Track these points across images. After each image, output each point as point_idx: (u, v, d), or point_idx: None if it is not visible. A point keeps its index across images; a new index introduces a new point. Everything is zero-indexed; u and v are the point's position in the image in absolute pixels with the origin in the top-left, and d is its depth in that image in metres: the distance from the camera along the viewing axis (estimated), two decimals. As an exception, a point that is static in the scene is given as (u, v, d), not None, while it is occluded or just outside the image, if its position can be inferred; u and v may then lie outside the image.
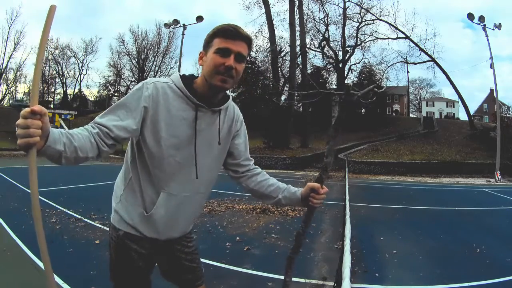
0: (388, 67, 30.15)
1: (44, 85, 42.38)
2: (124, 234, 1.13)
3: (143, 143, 1.07)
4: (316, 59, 31.67)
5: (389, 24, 27.70)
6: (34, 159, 0.80)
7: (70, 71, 42.85)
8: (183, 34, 22.14)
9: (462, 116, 41.17)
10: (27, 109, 0.76)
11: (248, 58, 1.19)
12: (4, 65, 36.64)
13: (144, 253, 1.15)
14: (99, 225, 4.38)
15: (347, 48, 27.54)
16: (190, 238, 1.29)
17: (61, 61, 41.76)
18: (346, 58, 30.42)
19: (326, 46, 26.96)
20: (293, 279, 2.69)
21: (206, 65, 1.06)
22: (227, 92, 1.17)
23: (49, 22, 0.79)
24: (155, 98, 1.03)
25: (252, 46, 1.12)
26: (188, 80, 1.11)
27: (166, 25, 24.65)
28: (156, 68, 41.71)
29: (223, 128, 1.17)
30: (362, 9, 28.19)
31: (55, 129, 0.85)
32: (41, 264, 2.98)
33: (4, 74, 37.37)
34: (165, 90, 1.06)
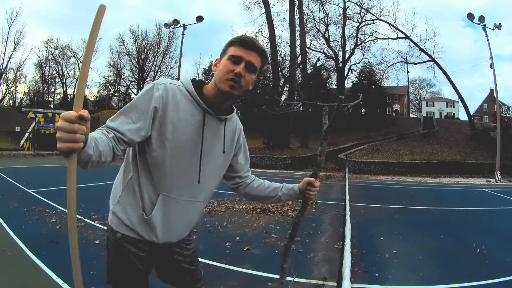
0: (388, 67, 30.22)
1: (44, 85, 42.40)
2: (122, 236, 1.11)
3: (146, 143, 1.06)
4: (316, 59, 31.68)
5: (389, 24, 27.73)
6: (74, 165, 0.77)
7: (70, 71, 42.83)
8: (183, 34, 22.15)
9: (462, 116, 41.24)
10: (74, 114, 0.72)
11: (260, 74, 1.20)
12: (4, 65, 36.68)
13: (143, 256, 1.14)
14: (99, 225, 4.38)
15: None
16: (189, 241, 1.29)
17: (61, 61, 41.77)
18: (346, 58, 30.47)
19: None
20: (294, 279, 2.70)
21: (218, 70, 1.08)
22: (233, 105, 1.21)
23: (98, 23, 0.74)
24: (164, 99, 1.03)
25: (266, 60, 1.13)
26: (198, 85, 1.11)
27: (166, 25, 24.64)
28: (156, 68, 41.75)
29: (227, 137, 1.19)
30: (362, 9, 28.25)
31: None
32: (41, 264, 2.99)
33: (4, 74, 37.38)
34: (175, 92, 1.06)
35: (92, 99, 46.95)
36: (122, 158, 1.08)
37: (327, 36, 30.40)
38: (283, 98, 26.16)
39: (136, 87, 42.30)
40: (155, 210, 1.08)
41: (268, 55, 1.13)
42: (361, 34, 29.61)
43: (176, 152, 1.06)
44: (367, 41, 29.75)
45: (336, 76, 31.67)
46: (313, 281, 2.91)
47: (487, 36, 18.76)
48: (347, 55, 31.02)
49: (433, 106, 50.16)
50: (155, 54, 41.63)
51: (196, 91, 1.08)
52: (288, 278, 2.71)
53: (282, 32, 41.71)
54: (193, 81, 1.12)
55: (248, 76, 1.07)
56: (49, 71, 41.58)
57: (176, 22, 22.76)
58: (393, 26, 27.55)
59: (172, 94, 1.05)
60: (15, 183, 8.00)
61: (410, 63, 30.12)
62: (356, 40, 29.84)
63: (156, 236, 1.11)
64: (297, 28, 25.12)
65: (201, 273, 1.33)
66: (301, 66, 25.87)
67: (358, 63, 31.09)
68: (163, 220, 1.10)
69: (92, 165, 0.87)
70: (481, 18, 18.94)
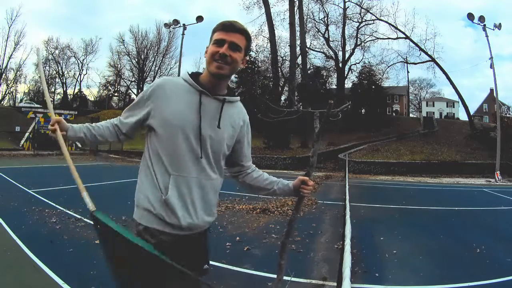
0: (388, 67, 30.25)
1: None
2: (144, 228, 1.16)
3: (153, 130, 1.19)
4: (316, 59, 31.69)
5: (389, 24, 27.74)
6: (60, 136, 1.23)
7: (70, 71, 42.91)
8: (183, 34, 22.16)
9: (462, 116, 41.21)
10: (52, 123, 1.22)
11: (249, 52, 1.30)
12: (4, 65, 36.69)
13: (164, 248, 1.14)
14: (99, 225, 4.37)
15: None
16: (205, 234, 1.30)
17: (61, 61, 41.83)
18: (346, 58, 30.46)
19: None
20: (294, 279, 2.70)
21: (206, 55, 1.21)
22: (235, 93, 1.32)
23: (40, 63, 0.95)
24: (160, 89, 1.19)
25: (249, 38, 1.24)
26: (194, 74, 1.26)
27: (166, 25, 24.67)
28: (156, 68, 41.77)
29: (225, 116, 1.24)
30: (362, 9, 28.27)
31: (76, 125, 1.26)
32: (41, 264, 2.98)
33: (4, 74, 37.38)
34: (172, 82, 1.22)
35: (92, 99, 46.93)
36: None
37: (327, 36, 30.46)
38: (283, 98, 26.16)
39: (136, 87, 42.34)
40: (170, 190, 1.15)
41: (247, 31, 1.22)
42: (361, 34, 29.68)
43: (178, 132, 1.16)
44: (367, 41, 29.82)
45: (336, 76, 31.67)
46: (313, 281, 2.91)
47: (487, 36, 18.77)
48: (347, 55, 31.08)
49: (433, 106, 50.13)
50: (155, 54, 41.69)
51: (192, 79, 1.22)
52: (286, 278, 2.71)
53: (282, 32, 41.73)
54: (190, 72, 1.26)
55: (233, 54, 1.17)
56: (49, 71, 41.57)
57: (176, 22, 22.76)
58: (393, 26, 27.59)
59: (169, 84, 1.21)
60: (15, 183, 7.99)
61: (410, 63, 30.17)
62: (356, 40, 29.89)
63: (178, 218, 1.15)
64: (297, 28, 25.16)
65: (206, 265, 1.35)
66: (301, 66, 25.86)
67: (358, 63, 31.13)
68: (179, 200, 1.16)
69: (92, 143, 1.34)
70: (481, 18, 18.93)
